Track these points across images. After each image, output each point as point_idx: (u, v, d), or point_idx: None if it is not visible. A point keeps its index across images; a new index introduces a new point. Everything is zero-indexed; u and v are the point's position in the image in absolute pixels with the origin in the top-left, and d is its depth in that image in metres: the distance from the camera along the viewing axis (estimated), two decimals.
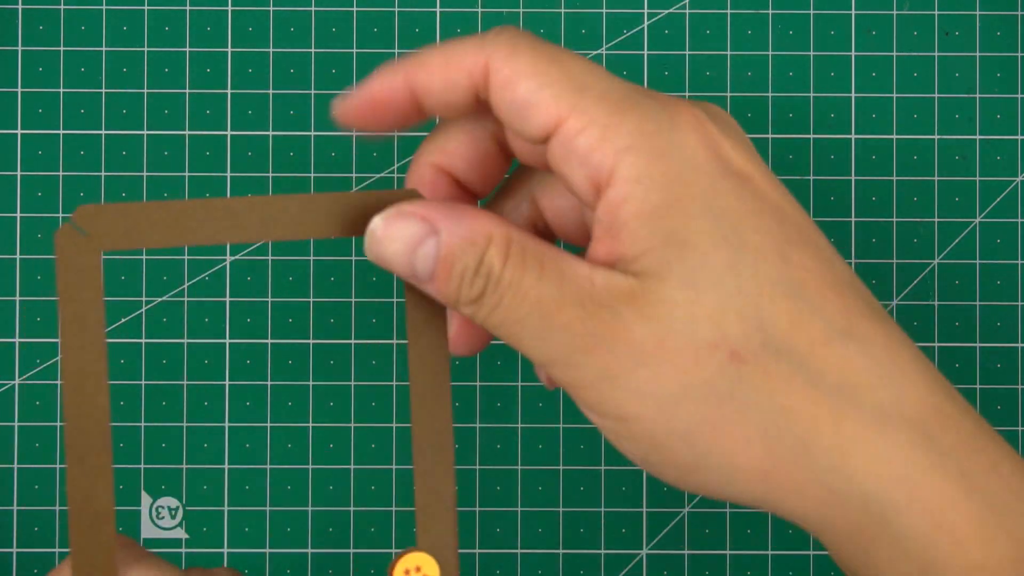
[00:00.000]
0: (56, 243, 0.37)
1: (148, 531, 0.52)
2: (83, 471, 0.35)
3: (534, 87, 0.32)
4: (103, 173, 0.52)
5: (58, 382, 0.52)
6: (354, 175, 0.52)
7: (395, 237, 0.33)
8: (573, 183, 0.33)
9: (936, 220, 0.53)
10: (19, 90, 0.52)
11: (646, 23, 0.53)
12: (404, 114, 0.35)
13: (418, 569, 0.40)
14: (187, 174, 0.52)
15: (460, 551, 0.52)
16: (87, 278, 0.38)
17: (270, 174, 0.52)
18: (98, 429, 0.36)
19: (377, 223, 0.33)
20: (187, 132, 0.52)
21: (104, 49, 0.52)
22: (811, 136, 0.53)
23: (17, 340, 0.52)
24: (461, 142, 0.36)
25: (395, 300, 0.52)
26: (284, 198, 0.36)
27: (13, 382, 0.52)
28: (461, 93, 0.34)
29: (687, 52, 0.53)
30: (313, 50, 0.53)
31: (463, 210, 0.33)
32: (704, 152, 0.32)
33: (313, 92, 0.52)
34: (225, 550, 0.52)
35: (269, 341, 0.52)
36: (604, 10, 0.53)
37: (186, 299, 0.52)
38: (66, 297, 0.37)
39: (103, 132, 0.52)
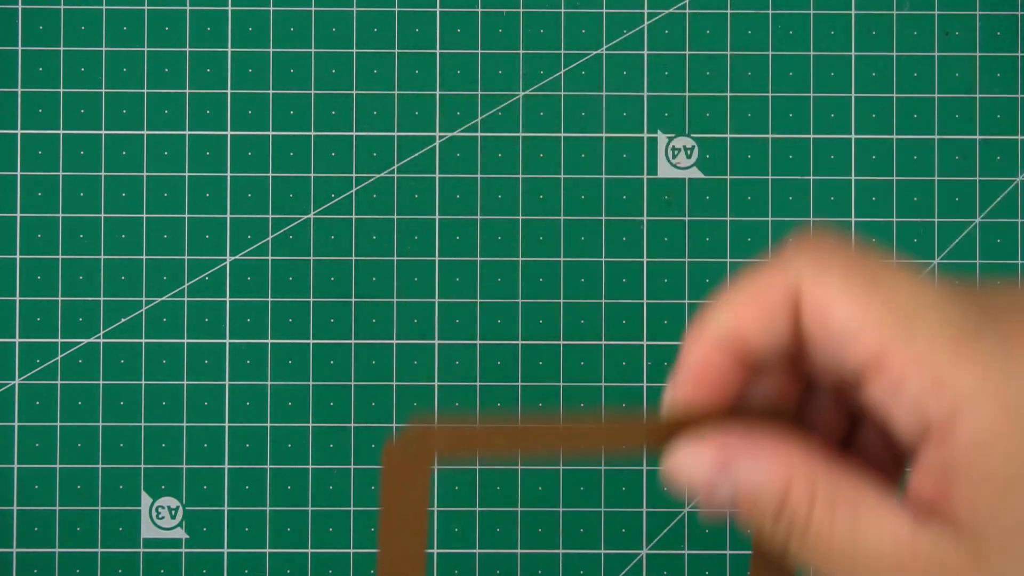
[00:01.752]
0: (383, 458, 0.36)
1: (148, 531, 0.52)
2: None
3: (851, 314, 0.27)
4: (103, 173, 0.52)
5: (57, 382, 0.52)
6: (354, 175, 0.52)
7: (692, 471, 0.29)
8: (895, 421, 0.28)
9: (936, 220, 0.53)
10: (19, 90, 0.52)
11: (646, 23, 0.53)
12: (734, 373, 0.30)
13: None
14: (187, 174, 0.52)
15: (459, 551, 0.52)
16: (411, 492, 0.36)
17: (270, 174, 0.52)
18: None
19: (675, 457, 0.30)
20: (187, 132, 0.52)
21: (104, 49, 0.52)
22: (811, 136, 0.53)
23: (17, 340, 0.52)
24: (761, 330, 0.30)
25: (395, 300, 0.52)
26: (597, 423, 0.35)
27: (13, 382, 0.52)
28: (783, 330, 0.29)
29: (687, 52, 0.53)
30: (313, 50, 0.53)
31: (762, 443, 0.29)
32: None
33: (313, 92, 0.52)
34: (225, 550, 0.52)
35: (269, 341, 0.52)
36: (604, 10, 0.53)
37: (186, 299, 0.52)
38: (389, 509, 0.36)
39: (103, 132, 0.52)
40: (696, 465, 0.29)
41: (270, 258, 0.52)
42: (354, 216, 0.52)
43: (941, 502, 0.27)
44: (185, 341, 0.52)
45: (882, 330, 0.27)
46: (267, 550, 0.52)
